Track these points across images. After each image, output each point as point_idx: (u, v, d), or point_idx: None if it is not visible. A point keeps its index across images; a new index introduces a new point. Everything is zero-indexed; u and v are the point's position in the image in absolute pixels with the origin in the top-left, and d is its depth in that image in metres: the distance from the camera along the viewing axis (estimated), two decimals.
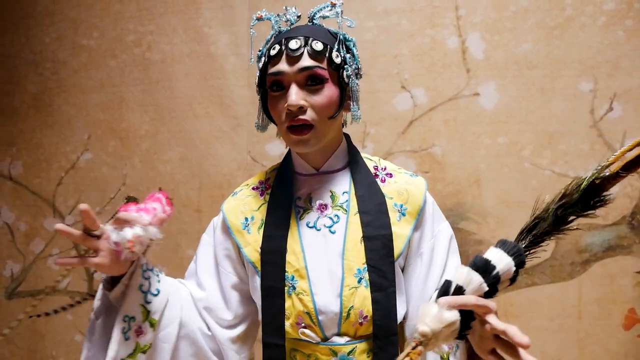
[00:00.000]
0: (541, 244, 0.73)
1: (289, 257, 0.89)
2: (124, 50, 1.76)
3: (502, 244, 0.70)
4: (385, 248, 0.88)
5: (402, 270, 0.94)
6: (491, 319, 0.65)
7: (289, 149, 0.99)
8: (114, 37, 1.77)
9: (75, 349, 1.83)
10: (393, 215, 0.91)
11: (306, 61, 0.85)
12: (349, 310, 0.86)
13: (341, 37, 0.90)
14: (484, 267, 0.67)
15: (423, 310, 0.67)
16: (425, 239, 0.94)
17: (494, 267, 0.67)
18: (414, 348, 0.65)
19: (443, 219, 0.98)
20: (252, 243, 0.92)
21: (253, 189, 0.99)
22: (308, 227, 0.91)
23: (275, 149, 1.64)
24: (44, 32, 1.84)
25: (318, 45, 0.86)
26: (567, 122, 1.48)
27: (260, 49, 0.94)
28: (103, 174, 1.79)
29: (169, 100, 1.73)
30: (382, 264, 0.88)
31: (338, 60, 0.88)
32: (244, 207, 0.96)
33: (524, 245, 0.72)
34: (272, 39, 0.92)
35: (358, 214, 0.90)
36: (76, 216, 1.82)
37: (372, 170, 0.96)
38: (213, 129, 1.70)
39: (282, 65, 0.85)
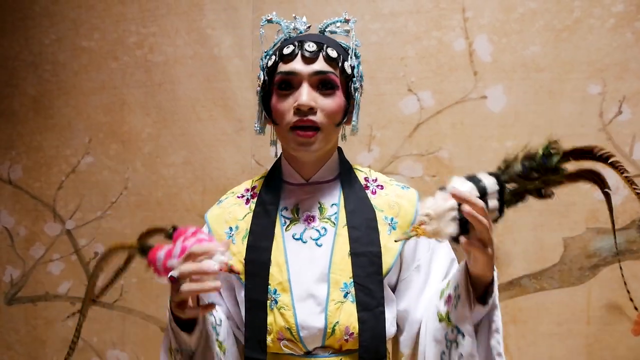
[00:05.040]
0: (508, 189, 0.79)
1: (273, 269, 0.87)
2: (125, 52, 1.74)
3: (482, 172, 0.79)
4: (373, 265, 0.86)
5: (395, 285, 0.92)
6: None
7: (279, 157, 0.98)
8: (115, 38, 1.74)
9: (77, 356, 1.80)
10: (383, 229, 0.89)
11: (321, 64, 0.85)
12: (334, 326, 0.84)
13: (352, 49, 0.91)
14: (471, 178, 0.76)
15: (425, 200, 0.75)
16: (421, 250, 0.92)
17: (480, 180, 0.75)
18: (419, 226, 0.74)
19: None
20: (237, 254, 0.89)
21: (238, 197, 0.96)
22: (294, 238, 0.89)
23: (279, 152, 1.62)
24: (43, 33, 1.81)
25: (333, 53, 0.86)
26: (576, 125, 1.47)
27: (266, 50, 0.92)
28: (104, 177, 1.76)
29: (172, 102, 1.71)
30: (370, 281, 0.85)
31: (349, 71, 0.89)
32: (229, 215, 0.94)
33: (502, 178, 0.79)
34: (280, 43, 0.91)
35: (346, 228, 0.88)
36: (77, 221, 1.79)
37: (363, 182, 0.95)
38: (217, 132, 1.67)
39: (297, 65, 0.85)
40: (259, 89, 0.92)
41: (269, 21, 0.93)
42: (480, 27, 1.51)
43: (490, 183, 0.76)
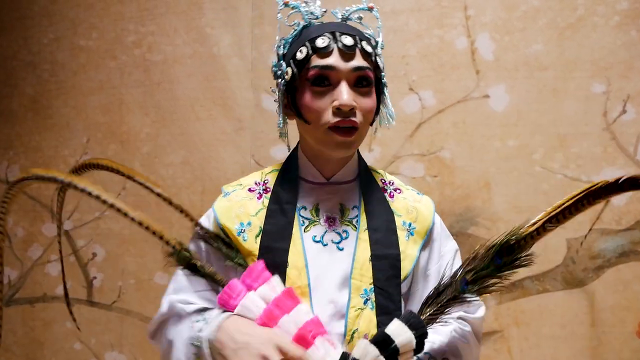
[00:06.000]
0: (449, 310, 0.76)
1: (291, 272, 0.81)
2: (124, 51, 1.73)
3: (406, 317, 0.74)
4: (392, 268, 0.83)
5: (406, 294, 0.90)
6: None
7: (293, 152, 0.92)
8: (113, 37, 1.73)
9: (75, 358, 1.78)
10: (401, 234, 0.86)
11: (359, 61, 0.81)
12: (353, 333, 0.81)
13: (377, 41, 0.87)
14: (382, 341, 0.71)
15: None
16: (433, 261, 0.90)
17: (392, 341, 0.71)
18: None
19: (450, 238, 0.94)
20: (249, 253, 0.84)
21: (249, 190, 0.89)
22: (314, 241, 0.84)
23: (280, 152, 1.61)
24: (42, 32, 1.80)
25: (368, 47, 0.82)
26: (579, 124, 1.45)
27: (285, 38, 0.86)
28: (102, 178, 1.72)
29: (171, 102, 1.69)
30: (389, 285, 0.83)
31: (381, 65, 0.85)
32: (239, 210, 0.86)
33: (429, 313, 0.75)
34: (303, 31, 0.85)
35: (367, 231, 0.85)
36: (75, 222, 1.78)
37: (380, 184, 0.91)
38: (216, 132, 1.66)
39: (335, 60, 0.80)
40: (281, 81, 0.85)
41: (286, 4, 0.86)
42: (483, 25, 1.49)
43: (406, 341, 0.72)
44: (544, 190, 1.47)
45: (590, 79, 1.44)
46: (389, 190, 0.91)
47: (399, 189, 0.92)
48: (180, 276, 0.88)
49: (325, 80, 0.80)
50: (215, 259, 0.85)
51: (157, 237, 0.78)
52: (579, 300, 1.46)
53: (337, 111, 0.79)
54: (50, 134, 1.79)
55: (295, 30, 0.86)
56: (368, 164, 1.52)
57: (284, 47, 0.86)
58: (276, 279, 0.78)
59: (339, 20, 0.88)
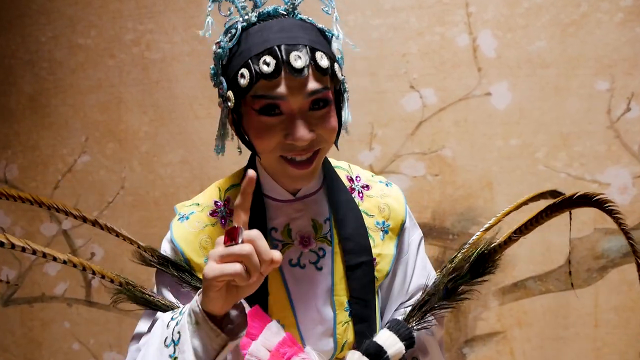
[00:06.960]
0: (433, 317, 0.77)
1: (272, 301, 0.77)
2: (122, 50, 1.71)
3: (396, 327, 0.74)
4: (366, 275, 0.80)
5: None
6: None
7: (249, 165, 0.83)
8: (112, 36, 1.72)
9: (73, 358, 1.77)
10: (376, 236, 0.82)
11: (313, 84, 0.67)
12: (343, 345, 0.80)
13: (336, 36, 0.73)
14: (376, 353, 0.72)
15: None
16: (402, 252, 0.87)
17: (385, 352, 0.72)
18: None
19: (416, 226, 0.90)
20: None
21: (211, 214, 0.80)
22: (291, 265, 0.78)
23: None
24: (40, 31, 1.78)
25: (324, 62, 0.68)
26: (583, 122, 1.43)
27: (222, 43, 0.72)
28: (101, 177, 1.74)
29: (169, 100, 1.68)
30: (366, 293, 0.79)
31: (340, 76, 0.72)
32: (205, 240, 0.78)
33: (415, 322, 0.76)
34: (243, 36, 0.71)
35: (340, 242, 0.80)
36: (73, 221, 1.76)
37: (347, 183, 0.84)
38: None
39: (284, 89, 0.66)
40: (224, 103, 0.73)
41: (215, 0, 0.72)
42: (484, 22, 1.47)
43: (397, 352, 0.73)
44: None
45: (594, 76, 1.42)
46: (357, 189, 0.85)
47: (366, 186, 0.86)
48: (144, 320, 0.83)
49: (276, 109, 0.68)
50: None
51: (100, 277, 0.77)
52: (583, 301, 1.44)
53: (292, 145, 0.69)
54: (49, 133, 1.78)
55: (233, 32, 0.72)
56: (368, 163, 1.54)
57: (222, 58, 0.73)
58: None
59: (284, 9, 0.73)
